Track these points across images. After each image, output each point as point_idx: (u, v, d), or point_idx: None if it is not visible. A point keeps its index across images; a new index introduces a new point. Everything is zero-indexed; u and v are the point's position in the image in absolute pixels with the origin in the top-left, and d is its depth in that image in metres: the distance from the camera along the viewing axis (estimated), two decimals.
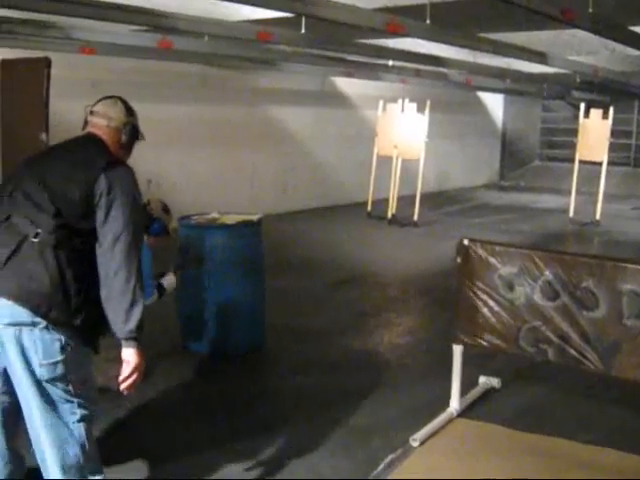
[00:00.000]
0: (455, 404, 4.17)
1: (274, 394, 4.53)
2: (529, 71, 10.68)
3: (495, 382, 4.58)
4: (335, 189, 12.79)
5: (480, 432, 3.97)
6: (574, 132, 12.46)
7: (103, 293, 2.60)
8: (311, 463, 3.57)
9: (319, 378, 4.75)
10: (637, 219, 12.62)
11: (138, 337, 2.62)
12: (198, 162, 10.50)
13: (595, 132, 11.75)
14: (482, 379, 4.59)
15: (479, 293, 3.99)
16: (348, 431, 3.94)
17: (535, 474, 3.50)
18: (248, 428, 3.93)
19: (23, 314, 2.51)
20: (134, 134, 2.94)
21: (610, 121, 11.60)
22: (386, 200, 11.44)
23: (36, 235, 2.54)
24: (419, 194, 11.16)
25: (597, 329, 3.62)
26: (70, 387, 2.61)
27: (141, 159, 10.68)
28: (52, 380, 2.58)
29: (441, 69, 9.87)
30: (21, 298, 2.51)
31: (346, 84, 12.84)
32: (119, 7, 5.20)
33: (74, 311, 2.58)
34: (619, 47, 7.45)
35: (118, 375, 2.67)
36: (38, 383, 2.57)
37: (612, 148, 12.04)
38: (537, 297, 3.79)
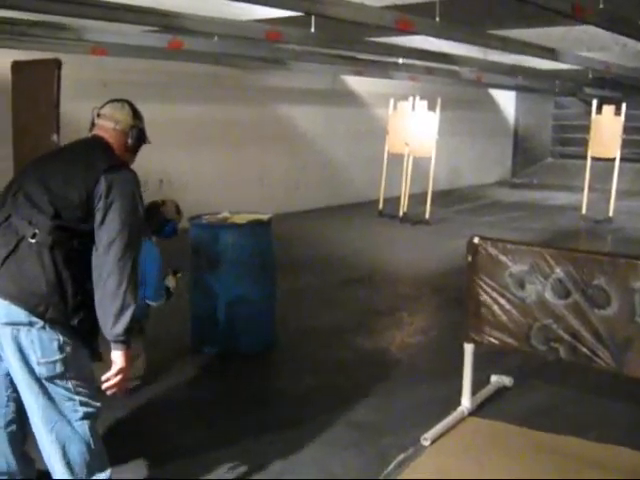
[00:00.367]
0: (466, 403, 4.15)
1: (285, 393, 4.53)
2: (540, 68, 10.62)
3: (507, 380, 4.56)
4: (346, 187, 12.77)
5: (491, 431, 3.95)
6: (586, 129, 12.38)
7: (96, 295, 2.62)
8: (322, 462, 3.57)
9: (330, 377, 4.75)
10: None
11: (126, 340, 2.65)
12: (209, 161, 10.52)
13: (607, 128, 11.68)
14: (494, 378, 4.58)
15: (490, 291, 3.97)
16: (359, 430, 3.94)
17: (547, 473, 3.49)
18: (258, 427, 3.94)
19: (20, 314, 2.54)
20: (140, 137, 2.97)
21: (622, 117, 11.53)
22: (397, 198, 11.43)
23: (34, 236, 2.57)
24: (430, 192, 11.13)
25: (609, 327, 3.60)
26: (70, 385, 2.64)
27: (153, 159, 10.71)
28: (51, 378, 2.61)
29: (452, 67, 9.83)
30: (18, 298, 2.54)
31: (357, 82, 12.82)
32: (129, 8, 5.21)
33: (71, 311, 2.61)
34: (631, 42, 7.40)
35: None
36: (38, 382, 2.60)
37: (625, 144, 11.95)
38: (548, 295, 3.77)
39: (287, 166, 11.81)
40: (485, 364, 4.65)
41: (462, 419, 4.06)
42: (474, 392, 4.28)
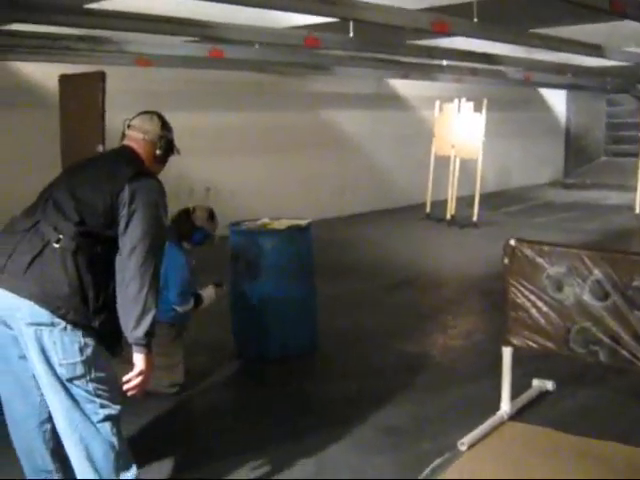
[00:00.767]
0: (505, 407, 4.09)
1: (324, 397, 4.54)
2: (590, 65, 10.40)
3: (549, 385, 4.48)
4: (393, 191, 12.72)
5: (531, 435, 3.89)
6: None
7: (118, 299, 2.70)
8: (356, 466, 3.57)
9: (369, 381, 4.74)
10: None
11: (147, 343, 2.72)
12: (255, 168, 10.61)
13: None
14: (535, 382, 4.50)
15: (527, 294, 3.91)
16: (396, 435, 3.92)
17: (588, 479, 3.41)
18: (295, 431, 3.96)
19: (43, 314, 2.63)
20: (168, 148, 3.05)
21: None
22: (445, 201, 11.33)
23: (58, 241, 2.67)
24: (478, 194, 11.00)
25: None
26: (90, 387, 2.71)
27: (199, 167, 10.91)
28: (72, 380, 2.68)
29: (497, 67, 9.71)
30: (41, 299, 2.63)
31: (402, 85, 12.78)
32: (167, 20, 5.32)
33: (92, 314, 2.69)
34: None
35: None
36: (60, 382, 2.68)
37: None
38: (586, 297, 3.70)
39: (333, 171, 11.82)
40: (529, 368, 4.60)
41: (501, 423, 4.00)
42: (515, 396, 4.22)
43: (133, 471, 2.85)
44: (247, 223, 5.28)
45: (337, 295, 6.86)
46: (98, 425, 2.75)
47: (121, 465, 2.80)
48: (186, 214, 4.51)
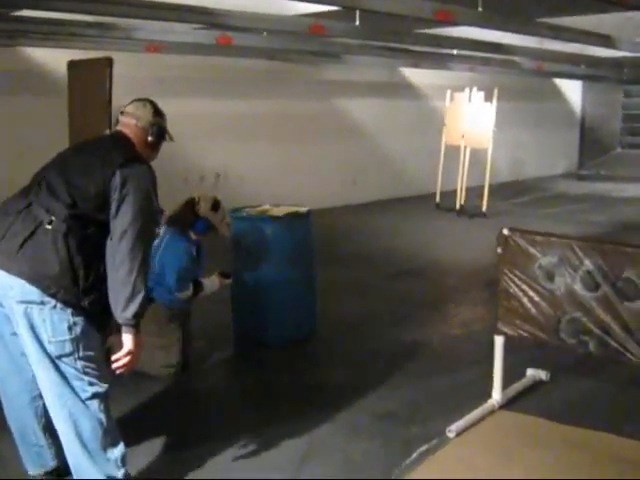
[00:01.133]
0: (497, 396, 4.13)
1: (319, 382, 4.59)
2: (604, 56, 10.31)
3: (543, 374, 4.50)
4: (403, 180, 12.72)
5: (520, 424, 3.92)
6: None
7: (109, 281, 2.78)
8: (345, 450, 3.62)
9: (365, 368, 4.79)
10: None
11: (135, 324, 2.79)
12: (266, 155, 10.66)
13: None
14: (530, 371, 4.53)
15: (519, 283, 3.94)
16: (387, 420, 3.97)
17: (576, 469, 3.44)
18: (288, 415, 4.02)
19: (34, 293, 2.72)
20: (160, 134, 3.11)
21: None
22: (455, 191, 11.32)
23: (50, 222, 2.75)
24: (487, 184, 10.98)
25: (638, 320, 3.52)
26: (78, 365, 2.79)
27: (209, 153, 10.97)
28: (60, 357, 2.77)
29: (509, 57, 9.65)
30: (32, 278, 2.71)
31: (413, 74, 12.74)
32: (173, 7, 5.36)
33: (82, 294, 2.77)
34: None
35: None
36: (49, 359, 2.77)
37: None
38: (577, 287, 3.72)
39: (344, 159, 11.84)
40: (525, 357, 4.64)
41: (491, 412, 4.04)
42: (509, 385, 4.26)
43: (120, 448, 2.93)
44: (247, 209, 5.33)
45: (340, 282, 6.91)
46: (87, 402, 2.83)
47: (108, 442, 2.88)
48: (191, 204, 4.57)
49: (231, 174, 10.23)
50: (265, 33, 7.10)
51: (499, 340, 4.11)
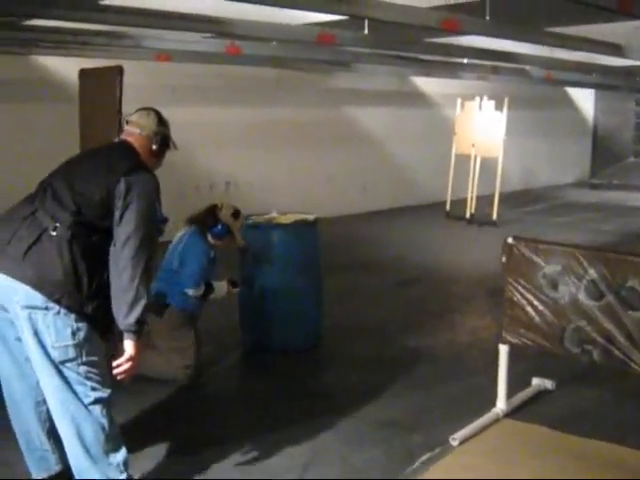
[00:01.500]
0: (501, 404, 4.12)
1: (324, 389, 4.62)
2: (615, 65, 10.27)
3: (549, 384, 4.49)
4: (414, 189, 12.71)
5: (525, 433, 3.91)
6: None
7: (112, 288, 2.81)
8: (347, 457, 3.62)
9: (370, 375, 4.79)
10: None
11: (137, 331, 2.82)
12: (276, 164, 10.69)
13: None
14: (535, 380, 4.52)
15: (524, 292, 3.94)
16: (391, 428, 3.97)
17: (580, 478, 3.42)
18: (290, 420, 4.03)
19: (38, 298, 2.75)
20: (164, 143, 3.15)
21: None
22: (466, 200, 11.30)
23: (54, 229, 2.79)
24: (498, 193, 10.96)
25: None
26: (81, 370, 2.82)
27: (219, 162, 11.01)
28: (64, 362, 2.79)
29: (519, 65, 9.64)
30: (37, 284, 2.74)
31: (424, 83, 12.75)
32: (182, 16, 5.39)
33: (86, 300, 2.80)
34: None
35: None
36: (53, 364, 2.79)
37: None
38: (582, 296, 3.71)
39: (354, 168, 11.85)
40: (531, 366, 4.63)
41: (496, 420, 4.03)
42: (514, 394, 4.25)
43: (122, 453, 2.95)
44: (255, 217, 5.36)
45: (348, 290, 6.94)
46: (89, 407, 2.85)
47: (111, 447, 2.90)
48: (213, 209, 4.76)
49: (241, 182, 10.27)
50: (274, 42, 7.13)
51: (504, 349, 4.11)
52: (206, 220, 4.71)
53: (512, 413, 4.14)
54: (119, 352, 2.85)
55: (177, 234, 4.74)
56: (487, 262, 8.44)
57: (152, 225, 2.90)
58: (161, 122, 3.16)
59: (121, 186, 2.83)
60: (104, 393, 2.88)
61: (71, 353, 2.79)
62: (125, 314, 2.78)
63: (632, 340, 3.56)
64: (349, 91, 11.65)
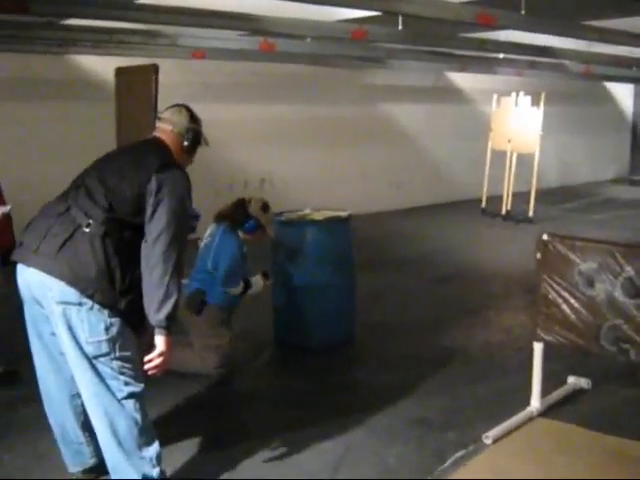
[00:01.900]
0: (535, 403, 4.07)
1: (357, 387, 4.61)
2: None
3: (584, 383, 4.43)
4: (449, 185, 12.62)
5: (559, 433, 3.86)
6: None
7: (143, 284, 2.84)
8: (380, 454, 3.61)
9: (404, 373, 4.77)
10: None
11: (168, 326, 2.85)
12: (310, 160, 10.70)
13: None
14: (571, 379, 4.46)
15: (559, 289, 3.88)
16: (423, 425, 3.95)
17: (615, 478, 3.37)
18: (325, 418, 4.03)
19: (72, 294, 2.79)
20: (196, 140, 3.16)
21: None
22: (502, 196, 11.19)
23: (88, 225, 2.83)
24: (534, 189, 10.83)
25: None
26: (114, 365, 2.86)
27: (253, 159, 11.07)
28: (97, 357, 2.84)
29: (556, 60, 9.50)
30: (71, 280, 2.78)
31: (459, 78, 12.65)
32: (217, 14, 5.43)
33: (119, 295, 2.83)
34: None
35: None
36: (87, 359, 2.84)
37: None
38: (618, 294, 3.65)
39: (389, 164, 11.81)
40: (567, 365, 4.57)
41: (530, 419, 3.99)
42: (549, 393, 4.20)
43: (155, 447, 2.98)
44: (287, 213, 5.37)
45: (382, 287, 6.92)
46: (122, 402, 2.89)
47: (144, 440, 2.94)
48: (242, 203, 4.76)
49: (275, 179, 10.30)
50: (308, 39, 7.14)
51: (538, 347, 4.06)
52: (235, 215, 4.71)
53: (546, 412, 4.09)
54: (151, 347, 2.88)
55: (207, 231, 4.76)
56: (522, 259, 8.35)
57: (183, 222, 2.92)
58: (192, 119, 3.18)
59: (152, 183, 2.86)
60: (137, 388, 2.92)
61: (104, 348, 2.83)
62: (156, 310, 2.81)
63: None
64: (384, 87, 11.60)
